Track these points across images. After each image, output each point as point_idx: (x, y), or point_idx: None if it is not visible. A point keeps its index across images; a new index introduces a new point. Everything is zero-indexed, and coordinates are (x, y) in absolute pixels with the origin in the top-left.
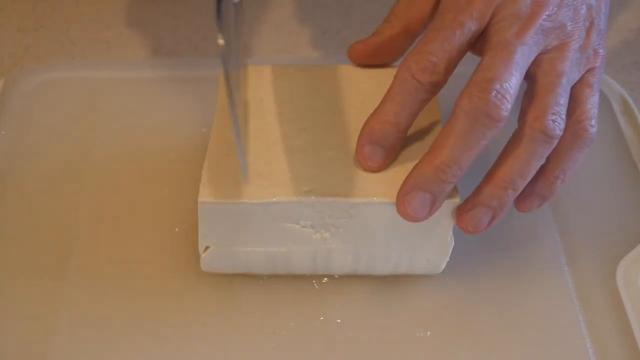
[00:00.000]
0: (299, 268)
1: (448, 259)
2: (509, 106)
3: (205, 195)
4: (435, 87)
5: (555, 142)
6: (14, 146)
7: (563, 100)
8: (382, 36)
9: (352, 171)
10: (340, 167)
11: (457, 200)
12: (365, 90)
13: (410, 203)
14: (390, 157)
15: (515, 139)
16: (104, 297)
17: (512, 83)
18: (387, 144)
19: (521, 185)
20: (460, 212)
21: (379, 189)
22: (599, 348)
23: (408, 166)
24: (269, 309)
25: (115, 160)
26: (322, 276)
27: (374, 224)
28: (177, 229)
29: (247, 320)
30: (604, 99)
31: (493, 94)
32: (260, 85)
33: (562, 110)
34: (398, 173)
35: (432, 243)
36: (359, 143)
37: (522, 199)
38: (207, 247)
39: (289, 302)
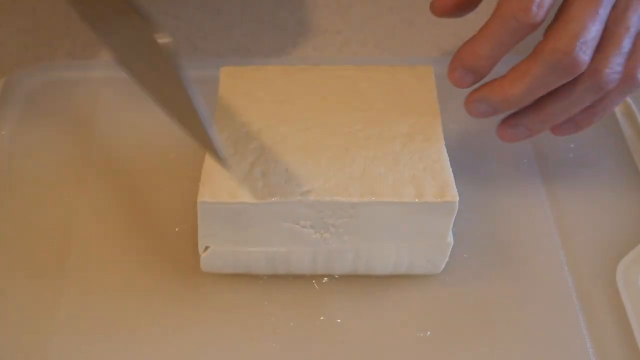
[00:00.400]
0: (299, 268)
1: (447, 259)
2: (590, 57)
3: (204, 196)
4: (533, 29)
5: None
6: (14, 146)
7: (626, 50)
8: None
9: (352, 171)
10: (340, 167)
11: (454, 202)
12: (365, 90)
13: (473, 109)
14: (478, 81)
15: (571, 82)
16: (104, 297)
17: (595, 35)
18: (477, 73)
19: (563, 119)
20: (504, 125)
21: (379, 189)
22: (599, 348)
23: (408, 167)
24: (269, 309)
25: (115, 160)
26: (322, 276)
27: (374, 224)
28: (177, 229)
29: (247, 320)
30: None
31: (577, 48)
32: (261, 85)
33: (623, 61)
34: (398, 173)
35: (431, 243)
36: (452, 65)
37: (559, 125)
38: (206, 247)
39: (289, 302)
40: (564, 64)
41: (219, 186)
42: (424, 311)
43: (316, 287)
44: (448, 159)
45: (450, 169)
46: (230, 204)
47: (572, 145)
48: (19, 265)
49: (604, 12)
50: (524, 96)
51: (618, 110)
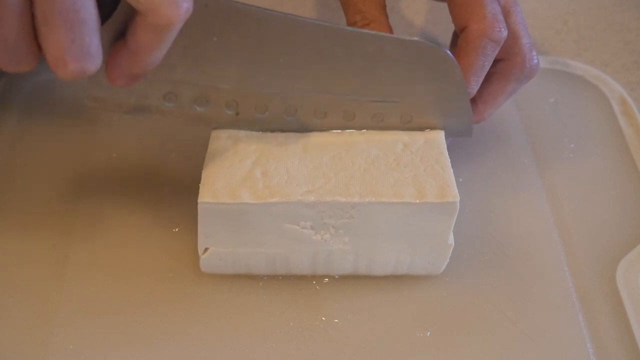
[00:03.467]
0: (299, 269)
1: (448, 260)
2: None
3: (205, 196)
4: (502, 42)
5: None
6: (14, 146)
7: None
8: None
9: (353, 171)
10: (341, 168)
11: (455, 202)
12: None
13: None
14: None
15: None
16: (103, 296)
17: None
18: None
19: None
20: None
21: (380, 189)
22: (599, 348)
23: (409, 168)
24: (269, 309)
25: (115, 160)
26: (323, 276)
27: (375, 225)
28: (177, 229)
29: (247, 320)
30: (604, 99)
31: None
32: None
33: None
34: (399, 174)
35: (432, 244)
36: None
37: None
38: (206, 248)
39: (289, 302)
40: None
41: (219, 187)
42: (424, 311)
43: (316, 287)
44: (449, 159)
45: (451, 170)
46: (231, 205)
47: (572, 145)
48: (18, 265)
49: None
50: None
51: (618, 110)
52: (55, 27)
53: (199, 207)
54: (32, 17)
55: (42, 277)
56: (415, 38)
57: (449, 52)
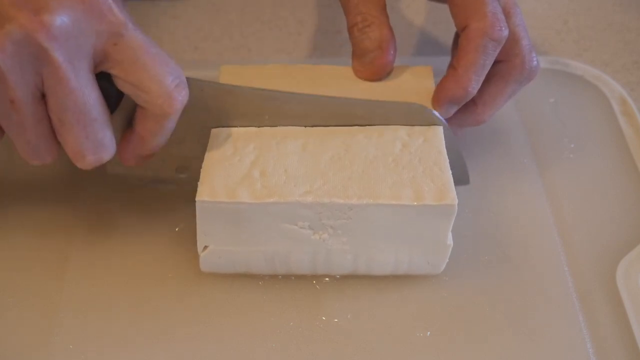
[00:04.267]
0: (299, 268)
1: (447, 260)
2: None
3: (203, 194)
4: (503, 41)
5: None
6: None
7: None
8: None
9: (352, 172)
10: (339, 168)
11: (453, 204)
12: (365, 90)
13: (446, 112)
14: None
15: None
16: (103, 296)
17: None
18: (463, 102)
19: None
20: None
21: (378, 191)
22: (599, 348)
23: (407, 169)
24: (269, 309)
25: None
26: (323, 276)
27: (373, 226)
28: (177, 229)
29: (247, 320)
30: (604, 99)
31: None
32: (261, 84)
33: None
34: (397, 176)
35: (430, 245)
36: (439, 100)
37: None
38: (205, 247)
39: (289, 302)
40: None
41: (217, 185)
42: (424, 311)
43: (316, 287)
44: (448, 161)
45: (450, 172)
46: (229, 204)
47: (572, 145)
48: (18, 265)
49: None
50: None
51: (618, 110)
52: (70, 128)
53: (197, 205)
54: (50, 120)
55: (42, 277)
56: (401, 102)
57: (434, 111)
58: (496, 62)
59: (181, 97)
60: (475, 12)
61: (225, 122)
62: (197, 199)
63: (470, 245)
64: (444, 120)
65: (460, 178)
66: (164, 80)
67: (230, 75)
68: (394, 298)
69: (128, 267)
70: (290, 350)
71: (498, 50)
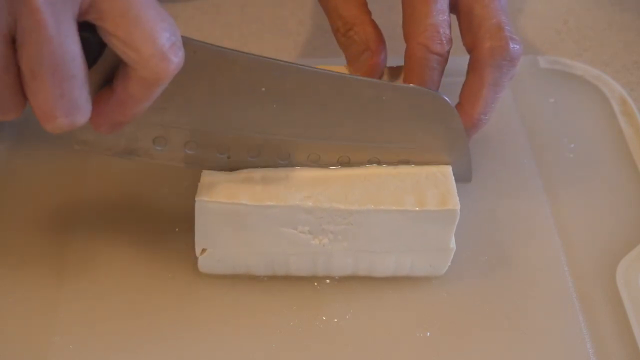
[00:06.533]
0: (299, 271)
1: (450, 263)
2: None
3: (202, 194)
4: (449, 54)
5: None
6: (14, 147)
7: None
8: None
9: (353, 178)
10: (340, 174)
11: (456, 209)
12: None
13: None
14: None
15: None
16: (103, 296)
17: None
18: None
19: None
20: None
21: (379, 197)
22: (599, 348)
23: (410, 174)
24: (269, 309)
25: (115, 159)
26: (323, 277)
27: (374, 231)
28: (177, 229)
29: (247, 320)
30: (604, 99)
31: (509, 37)
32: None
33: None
34: (399, 181)
35: (433, 249)
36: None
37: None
38: (203, 250)
39: (289, 302)
40: (510, 57)
41: (217, 186)
42: (424, 311)
43: (316, 287)
44: (450, 166)
45: (452, 176)
46: (227, 204)
47: (572, 145)
48: (18, 264)
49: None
50: (486, 109)
51: (618, 110)
52: (43, 82)
53: (196, 204)
54: (18, 70)
55: (42, 277)
56: (412, 85)
57: (446, 98)
58: (470, 52)
59: (177, 59)
60: (417, 25)
61: (217, 93)
62: (196, 198)
63: (470, 245)
64: (453, 108)
65: (464, 175)
66: (158, 38)
67: None
68: (394, 298)
69: (128, 267)
70: (290, 350)
71: (443, 62)
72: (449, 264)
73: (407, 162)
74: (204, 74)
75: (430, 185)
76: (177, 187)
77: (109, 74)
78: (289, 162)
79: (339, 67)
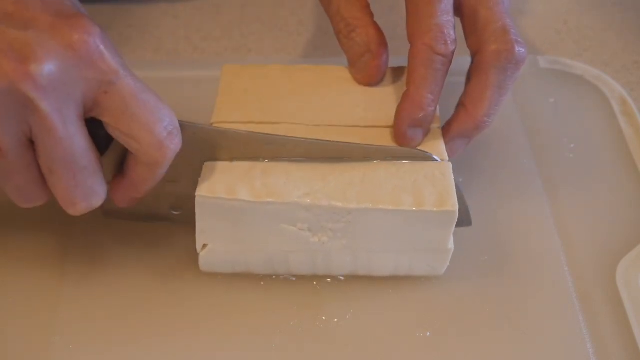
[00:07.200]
0: (298, 269)
1: (448, 263)
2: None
3: (202, 190)
4: (453, 55)
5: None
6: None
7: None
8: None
9: (352, 176)
10: (340, 171)
11: (454, 210)
12: (365, 91)
13: (455, 150)
14: (427, 132)
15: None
16: (103, 296)
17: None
18: (426, 124)
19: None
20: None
21: (378, 196)
22: (599, 348)
23: (409, 173)
24: (269, 309)
25: None
26: (323, 276)
27: (373, 230)
28: (177, 229)
29: (247, 320)
30: (604, 99)
31: (515, 41)
32: (261, 83)
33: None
34: (398, 180)
35: (431, 250)
36: (400, 128)
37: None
38: (204, 245)
39: (289, 302)
40: (515, 60)
41: (217, 182)
42: (424, 311)
43: (316, 287)
44: (451, 165)
45: (452, 177)
46: (228, 200)
47: (572, 145)
48: (18, 264)
49: (508, 2)
50: (491, 111)
51: (618, 110)
52: (59, 177)
53: (196, 200)
54: (39, 167)
55: (42, 276)
56: (394, 146)
57: (434, 155)
58: (473, 55)
59: (173, 145)
60: (421, 25)
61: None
62: (196, 194)
63: (470, 245)
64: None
65: (462, 219)
66: (155, 129)
67: (231, 74)
68: (394, 298)
69: (128, 267)
70: (290, 350)
71: (448, 64)
72: (448, 264)
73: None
74: (205, 149)
75: (429, 185)
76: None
77: (121, 158)
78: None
79: (339, 67)
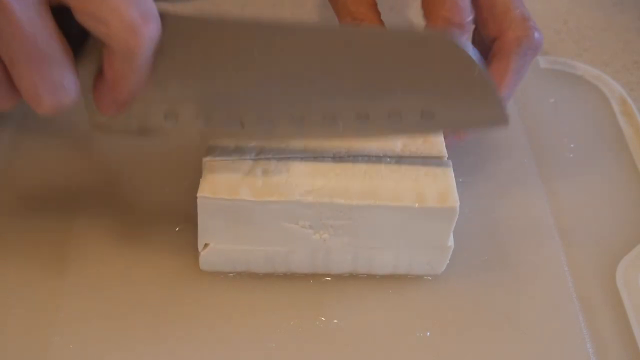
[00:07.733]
0: (299, 267)
1: (448, 262)
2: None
3: (204, 191)
4: (470, 26)
5: None
6: (14, 146)
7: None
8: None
9: (354, 173)
10: (341, 169)
11: (455, 207)
12: None
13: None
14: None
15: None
16: (104, 296)
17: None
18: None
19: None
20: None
21: (379, 192)
22: (599, 348)
23: (410, 170)
24: (269, 309)
25: (115, 159)
26: (323, 275)
27: (374, 227)
28: (177, 229)
29: (247, 319)
30: (604, 99)
31: (533, 27)
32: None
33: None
34: (400, 177)
35: (431, 247)
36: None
37: None
38: (206, 245)
39: (289, 301)
40: (534, 45)
41: (219, 182)
42: (424, 311)
43: (316, 287)
44: (451, 163)
45: (452, 174)
46: (230, 200)
47: (572, 145)
48: (18, 264)
49: None
50: (509, 94)
51: (618, 110)
52: (23, 69)
53: (198, 201)
54: (3, 63)
55: (42, 276)
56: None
57: (454, 36)
58: (493, 40)
59: (148, 30)
60: (438, 2)
61: (213, 63)
62: (198, 194)
63: (470, 245)
64: (462, 47)
65: (498, 118)
66: (126, 11)
67: None
68: (394, 298)
69: (128, 266)
70: (290, 350)
71: (465, 36)
72: (447, 262)
73: (431, 120)
74: (195, 45)
75: (430, 182)
76: (177, 187)
77: (100, 60)
78: (302, 129)
79: None
